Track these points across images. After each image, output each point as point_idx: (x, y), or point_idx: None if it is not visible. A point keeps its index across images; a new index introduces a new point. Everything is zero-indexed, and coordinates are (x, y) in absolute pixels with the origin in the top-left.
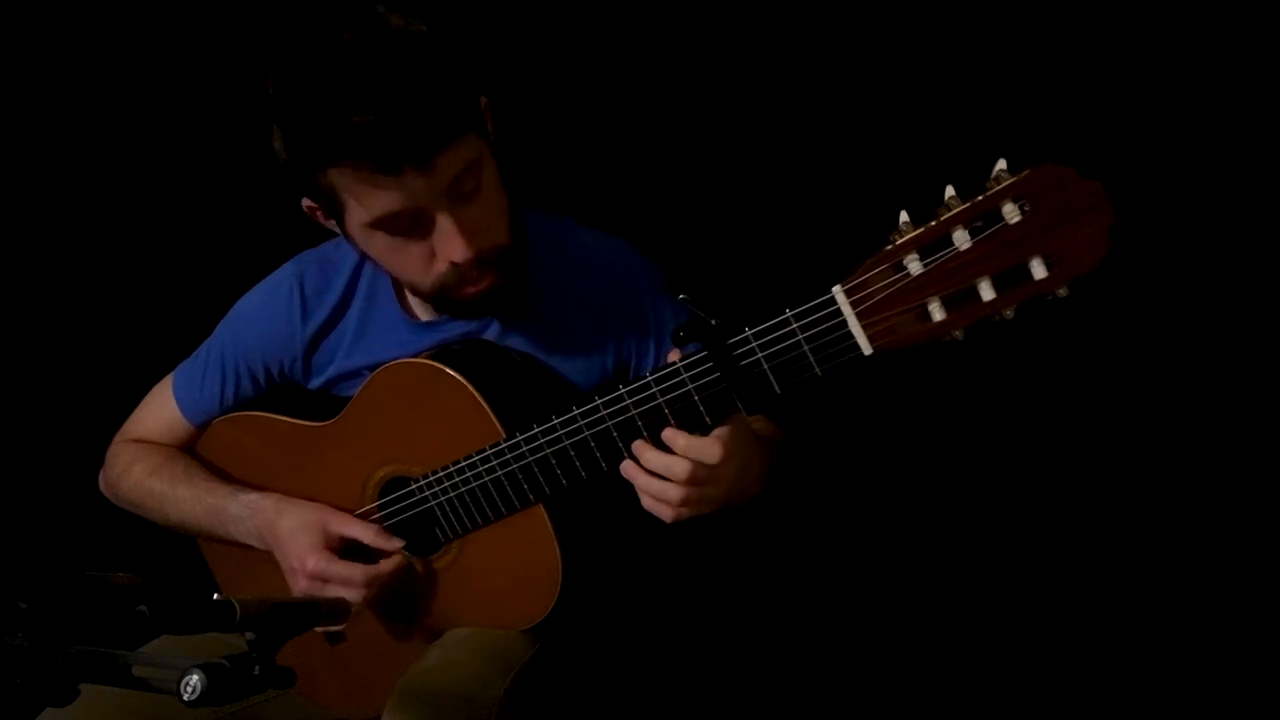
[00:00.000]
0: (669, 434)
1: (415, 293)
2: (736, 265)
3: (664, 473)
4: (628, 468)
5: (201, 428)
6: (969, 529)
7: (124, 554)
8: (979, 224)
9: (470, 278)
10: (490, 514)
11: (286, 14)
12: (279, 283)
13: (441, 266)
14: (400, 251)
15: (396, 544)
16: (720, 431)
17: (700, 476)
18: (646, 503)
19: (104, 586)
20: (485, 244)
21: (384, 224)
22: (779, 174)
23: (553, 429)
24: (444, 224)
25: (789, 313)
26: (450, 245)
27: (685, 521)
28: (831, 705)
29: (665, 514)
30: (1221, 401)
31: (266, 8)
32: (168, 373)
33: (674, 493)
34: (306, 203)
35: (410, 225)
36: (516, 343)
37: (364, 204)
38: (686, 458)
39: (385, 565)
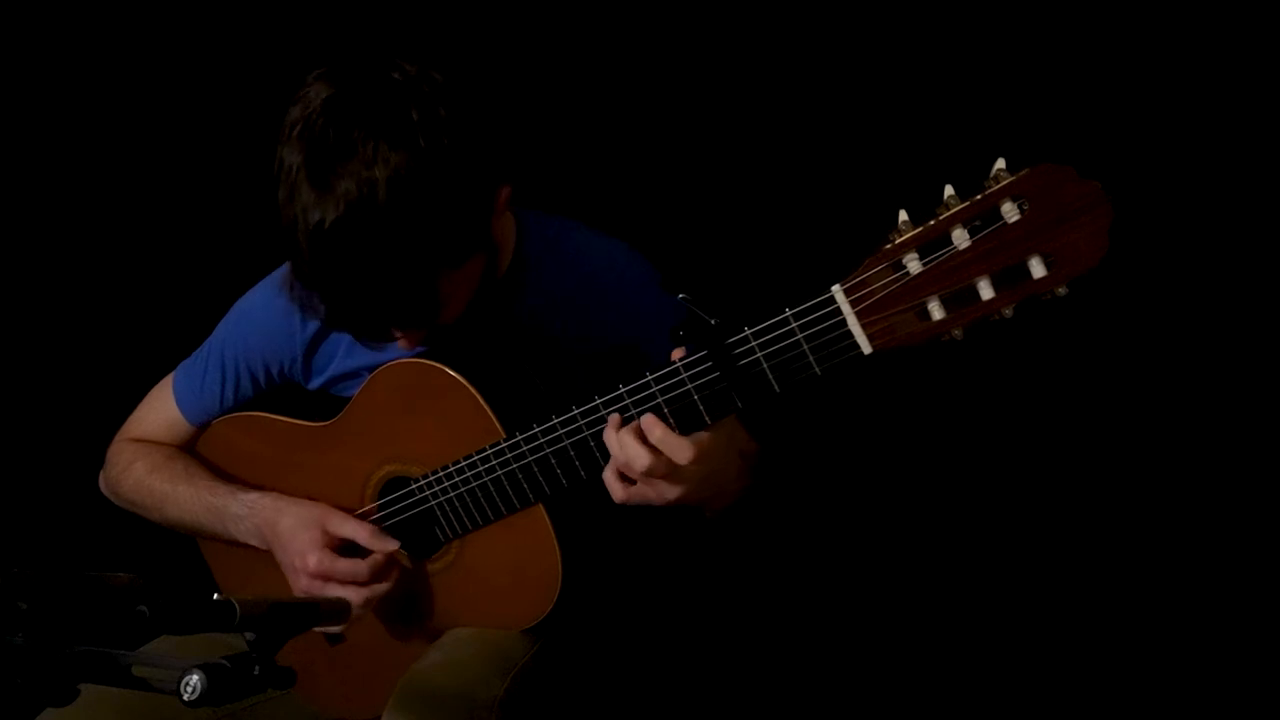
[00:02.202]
0: (648, 421)
1: None
2: (736, 265)
3: (623, 467)
4: (611, 426)
5: (202, 427)
6: (969, 529)
7: (124, 554)
8: (978, 223)
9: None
10: (490, 514)
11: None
12: (279, 282)
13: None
14: None
15: (392, 545)
16: (700, 435)
17: (659, 471)
18: (606, 474)
19: (104, 586)
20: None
21: None
22: (779, 174)
23: (553, 429)
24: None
25: (788, 312)
26: (402, 344)
27: (684, 521)
28: (831, 705)
29: (615, 493)
30: (1221, 401)
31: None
32: (168, 373)
33: (633, 475)
34: None
35: None
36: (516, 343)
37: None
38: (659, 451)
39: (380, 559)
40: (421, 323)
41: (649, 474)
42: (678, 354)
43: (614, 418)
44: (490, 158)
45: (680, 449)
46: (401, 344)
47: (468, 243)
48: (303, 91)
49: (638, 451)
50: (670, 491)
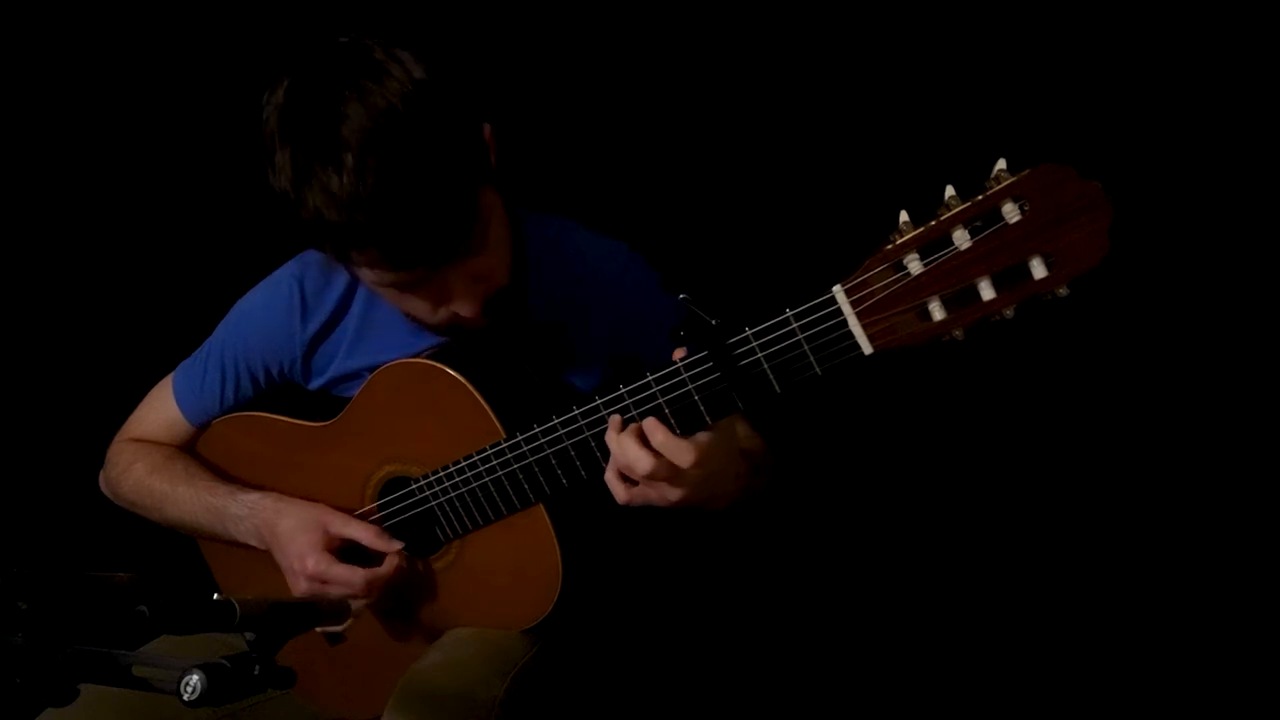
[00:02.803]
0: (650, 425)
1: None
2: (736, 265)
3: (625, 469)
4: (610, 436)
5: (202, 428)
6: (969, 529)
7: (124, 554)
8: (979, 223)
9: (472, 323)
10: (490, 514)
11: (283, 14)
12: (279, 283)
13: (444, 314)
14: (406, 301)
15: (396, 545)
16: (700, 436)
17: (661, 474)
18: (608, 475)
19: (104, 586)
20: (490, 289)
21: (391, 286)
22: (779, 174)
23: (553, 429)
24: (453, 283)
25: (789, 312)
26: (459, 304)
27: (684, 522)
28: (831, 705)
29: (618, 494)
30: (1221, 401)
31: (263, 7)
32: (168, 373)
33: (635, 478)
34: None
35: (418, 283)
36: (516, 343)
37: (371, 273)
38: (661, 455)
39: (385, 568)
40: (468, 232)
41: (651, 477)
42: (678, 354)
43: (615, 418)
44: (466, 89)
45: (682, 452)
46: (465, 309)
47: (483, 159)
48: (265, 100)
49: (639, 454)
50: (672, 493)
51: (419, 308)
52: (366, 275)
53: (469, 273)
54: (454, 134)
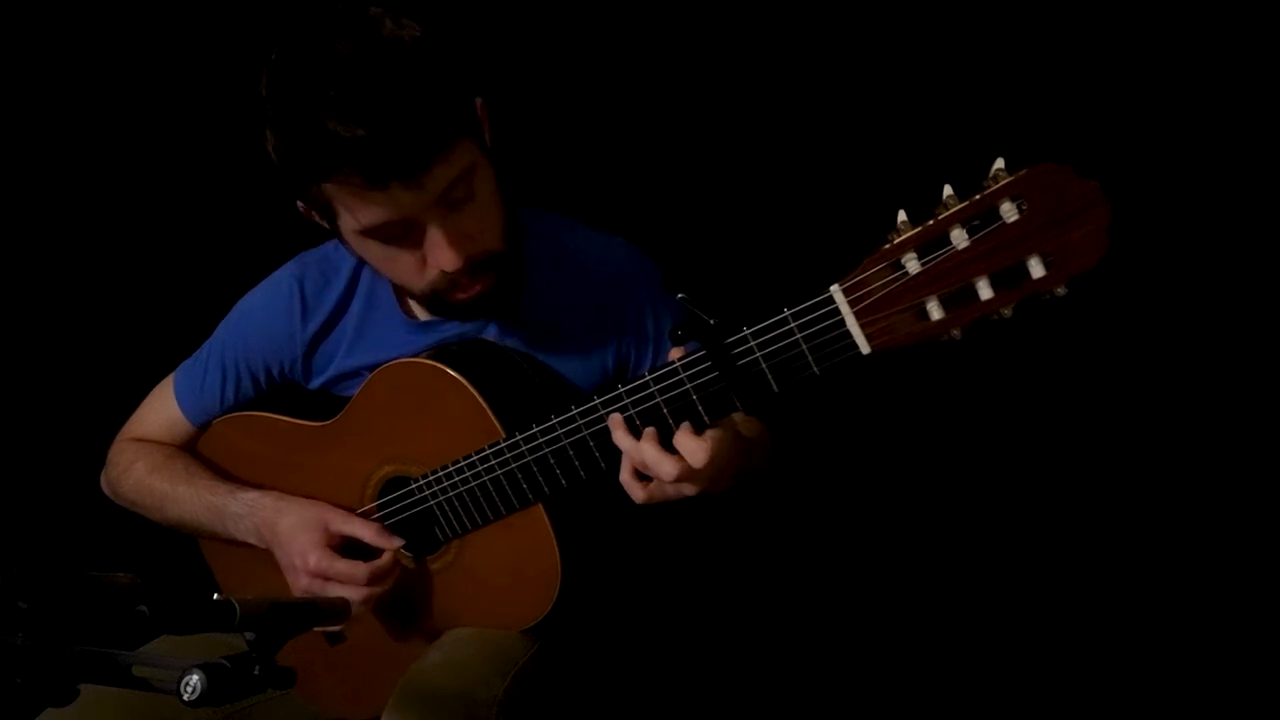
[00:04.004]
0: (681, 435)
1: (409, 295)
2: (735, 264)
3: (646, 472)
4: (622, 438)
5: (202, 427)
6: (968, 528)
7: (124, 554)
8: (977, 223)
9: (462, 284)
10: (490, 514)
11: (282, 14)
12: (279, 283)
13: (432, 273)
14: (392, 258)
15: (396, 542)
16: (713, 432)
17: (684, 476)
18: (623, 476)
19: (104, 586)
20: (476, 250)
21: (375, 233)
22: (778, 174)
23: (552, 429)
24: (434, 233)
25: (787, 312)
26: (440, 255)
27: (682, 519)
28: (831, 705)
29: (636, 495)
30: (1221, 400)
31: (263, 7)
32: (168, 373)
33: (660, 480)
34: (300, 205)
35: (402, 233)
36: (515, 342)
37: (354, 214)
38: (680, 456)
39: (385, 559)
40: (459, 131)
41: (677, 480)
42: (676, 354)
43: (616, 418)
44: (462, 51)
45: (701, 453)
46: (446, 258)
47: (471, 109)
48: (261, 83)
49: (658, 457)
50: (688, 489)
51: (406, 266)
52: (346, 220)
53: (454, 225)
54: (438, 63)
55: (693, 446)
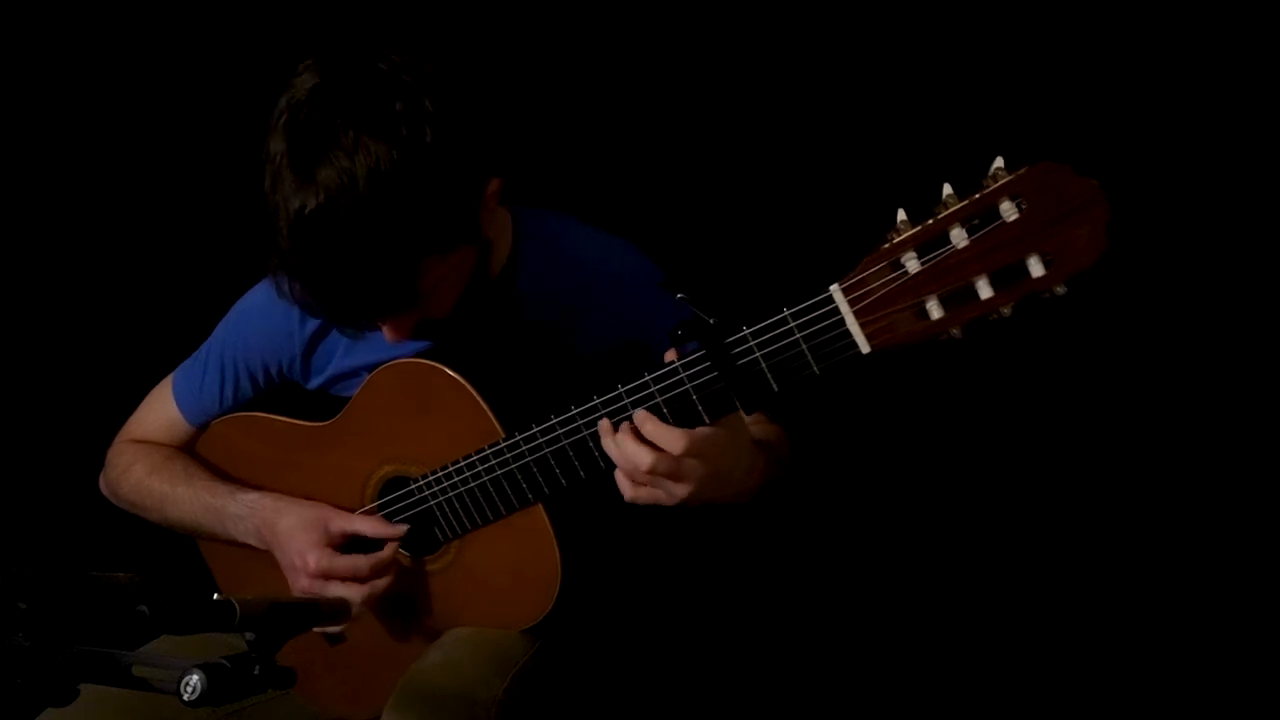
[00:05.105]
0: (640, 416)
1: None
2: (735, 264)
3: (630, 473)
4: (604, 434)
5: (201, 428)
6: (968, 528)
7: (124, 554)
8: (976, 222)
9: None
10: (489, 514)
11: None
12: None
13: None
14: None
15: (399, 530)
16: (698, 429)
17: (662, 468)
18: (617, 474)
19: (104, 586)
20: (418, 323)
21: None
22: (777, 173)
23: (551, 429)
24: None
25: (787, 311)
26: (385, 332)
27: (682, 519)
28: (831, 705)
29: (626, 493)
30: (1220, 400)
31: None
32: (168, 373)
33: (638, 475)
34: None
35: None
36: (514, 342)
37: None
38: (656, 446)
39: (386, 552)
40: (400, 308)
41: (652, 471)
42: (670, 355)
43: (604, 423)
44: (478, 150)
45: (674, 440)
46: (387, 334)
47: (453, 233)
48: (291, 81)
49: (635, 449)
50: (679, 489)
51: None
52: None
53: (404, 318)
54: (420, 209)
55: (666, 435)
